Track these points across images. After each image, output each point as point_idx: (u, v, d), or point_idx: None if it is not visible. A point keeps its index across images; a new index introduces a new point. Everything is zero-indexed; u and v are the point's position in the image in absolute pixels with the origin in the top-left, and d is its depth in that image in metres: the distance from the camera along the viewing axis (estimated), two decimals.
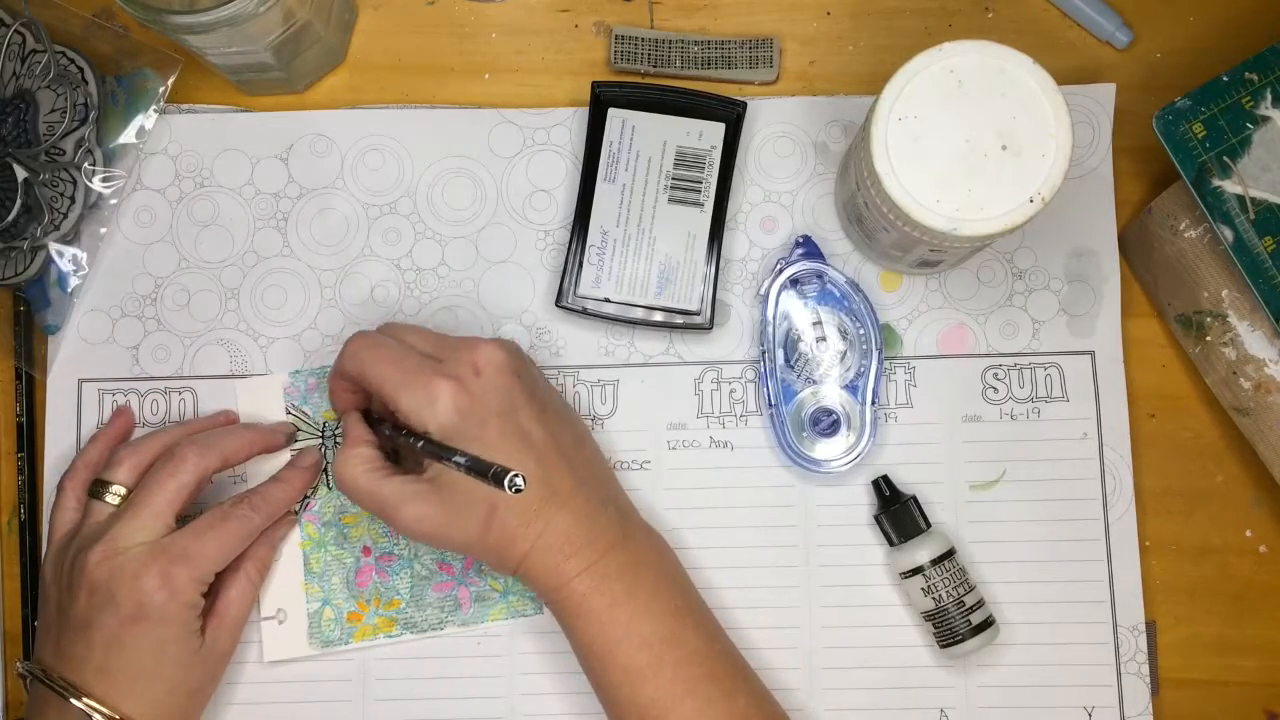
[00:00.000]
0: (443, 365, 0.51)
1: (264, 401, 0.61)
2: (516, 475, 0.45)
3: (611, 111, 0.60)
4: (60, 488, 0.57)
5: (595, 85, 0.60)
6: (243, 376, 0.61)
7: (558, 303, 0.60)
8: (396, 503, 0.51)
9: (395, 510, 0.52)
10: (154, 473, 0.55)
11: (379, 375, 0.52)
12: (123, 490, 0.55)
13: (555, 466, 0.52)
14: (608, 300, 0.60)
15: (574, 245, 0.60)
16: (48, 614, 0.55)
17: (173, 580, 0.52)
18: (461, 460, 0.49)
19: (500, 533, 0.51)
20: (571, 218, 0.61)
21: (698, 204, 0.60)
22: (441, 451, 0.50)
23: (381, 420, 0.56)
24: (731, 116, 0.60)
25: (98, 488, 0.55)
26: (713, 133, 0.60)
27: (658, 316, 0.60)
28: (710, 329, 0.60)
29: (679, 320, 0.60)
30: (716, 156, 0.60)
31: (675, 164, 0.60)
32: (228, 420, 0.60)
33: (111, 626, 0.52)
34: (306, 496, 0.60)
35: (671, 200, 0.60)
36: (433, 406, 0.50)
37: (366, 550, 0.60)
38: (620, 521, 0.53)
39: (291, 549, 0.60)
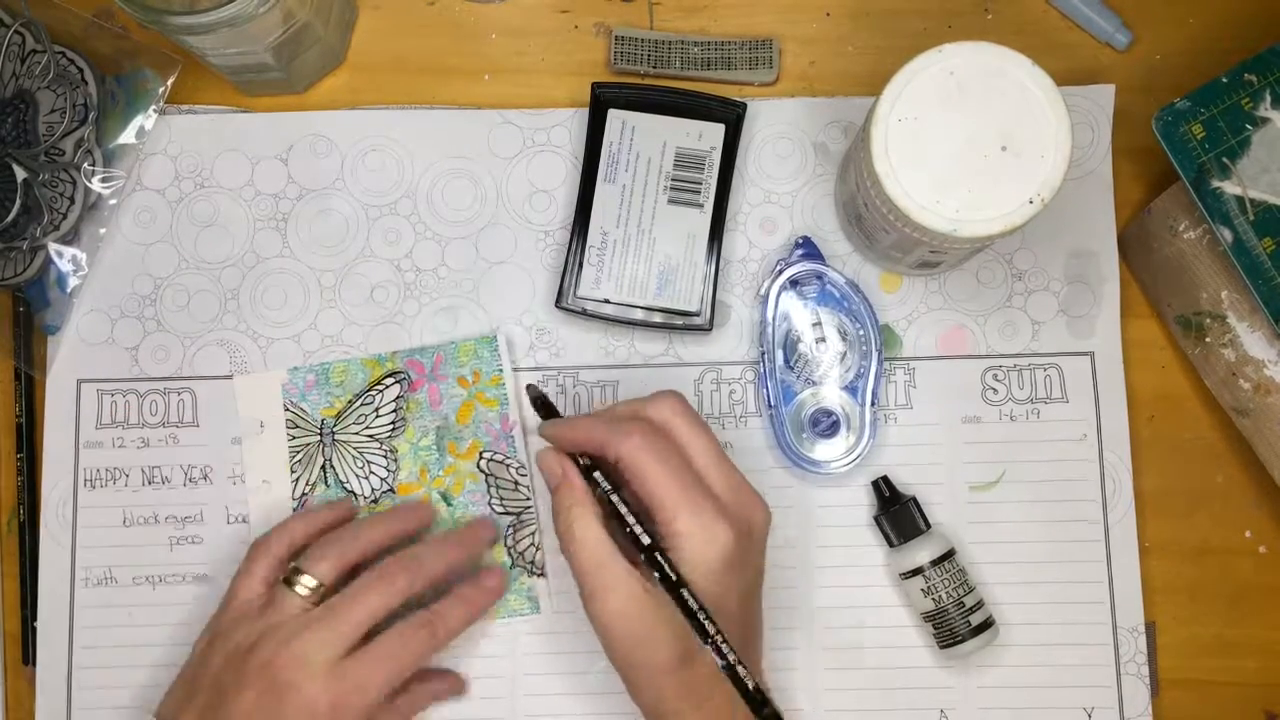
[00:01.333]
0: (726, 508, 0.49)
1: (262, 398, 0.61)
2: (772, 711, 0.45)
3: (611, 112, 0.60)
4: (254, 551, 0.55)
5: (595, 86, 0.60)
6: (243, 374, 0.61)
7: (558, 303, 0.60)
8: (610, 584, 0.48)
9: (604, 591, 0.48)
10: (361, 587, 0.53)
11: (660, 486, 0.48)
12: (315, 584, 0.53)
13: (749, 646, 0.51)
14: (608, 301, 0.60)
15: (574, 246, 0.60)
16: (198, 677, 0.53)
17: (342, 712, 0.51)
18: (721, 662, 0.47)
19: (688, 680, 0.48)
20: (571, 218, 0.61)
21: (698, 205, 0.60)
22: (693, 616, 0.47)
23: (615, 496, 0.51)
24: (731, 117, 0.60)
25: (293, 574, 0.53)
26: (712, 134, 0.60)
27: (657, 317, 0.60)
28: (710, 330, 0.60)
29: (679, 321, 0.60)
30: (716, 157, 0.60)
31: (675, 165, 0.60)
32: (424, 517, 0.58)
33: None
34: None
35: (671, 201, 0.60)
36: (711, 545, 0.48)
37: None
38: None
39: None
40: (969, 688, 0.59)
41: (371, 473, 0.60)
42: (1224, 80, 0.54)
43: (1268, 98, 0.54)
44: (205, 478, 0.61)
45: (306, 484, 0.60)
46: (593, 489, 0.50)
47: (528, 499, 0.60)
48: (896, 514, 0.58)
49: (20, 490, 0.61)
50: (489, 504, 0.60)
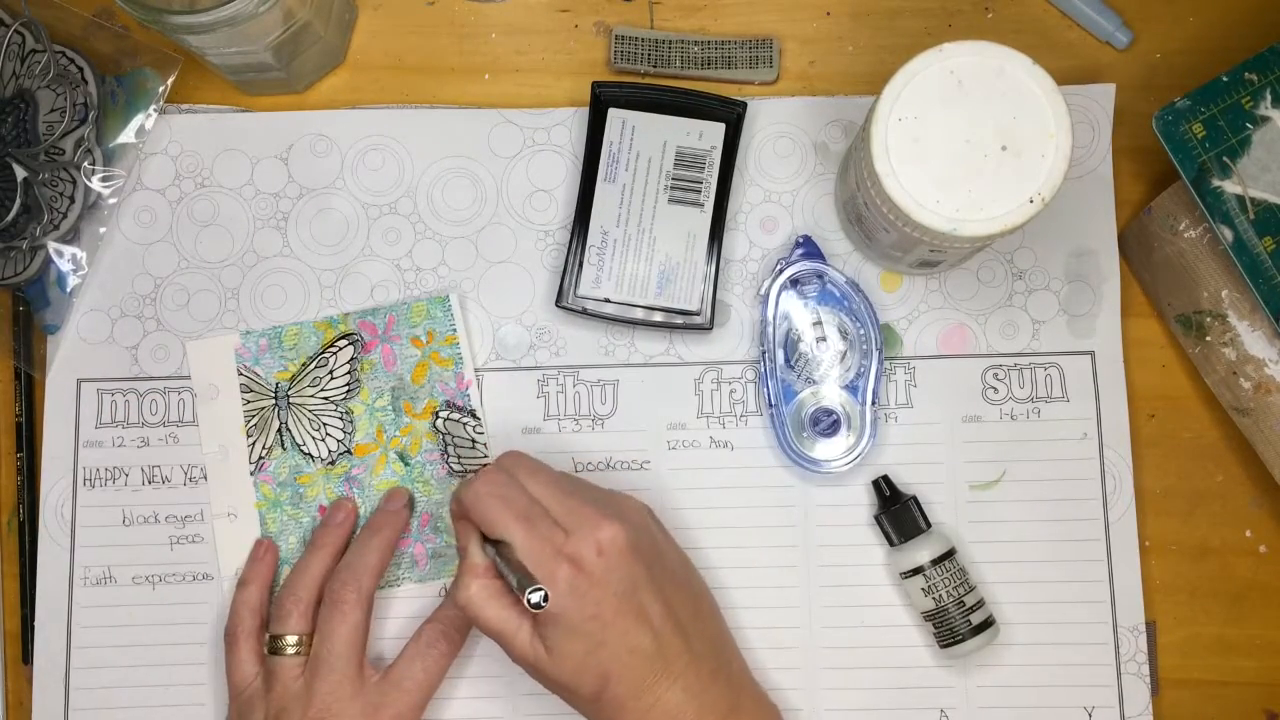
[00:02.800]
0: (567, 541, 0.51)
1: (215, 363, 0.61)
2: (535, 591, 0.48)
3: (611, 111, 0.60)
4: (230, 640, 0.57)
5: (595, 85, 0.60)
6: (195, 338, 0.61)
7: (558, 303, 0.60)
8: (517, 642, 0.52)
9: (513, 647, 0.52)
10: (324, 624, 0.55)
11: (503, 528, 0.51)
12: (297, 638, 0.56)
13: (670, 641, 0.52)
14: (608, 300, 0.60)
15: (574, 245, 0.60)
16: None
17: None
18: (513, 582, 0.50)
19: (611, 701, 0.51)
20: (571, 218, 0.61)
21: (698, 204, 0.60)
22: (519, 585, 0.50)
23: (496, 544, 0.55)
24: (731, 116, 0.60)
25: (274, 642, 0.56)
26: (713, 133, 0.60)
27: (658, 317, 0.60)
28: (710, 329, 0.60)
29: (679, 320, 0.60)
30: (716, 156, 0.60)
31: (675, 164, 0.60)
32: (349, 517, 0.60)
33: None
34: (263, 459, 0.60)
35: (671, 200, 0.60)
36: (552, 585, 0.50)
37: (322, 509, 0.60)
38: (730, 694, 0.53)
39: (248, 509, 0.60)
40: (969, 687, 0.59)
41: (328, 435, 0.61)
42: (1224, 79, 0.54)
43: (1268, 97, 0.54)
44: (205, 477, 0.61)
45: (263, 448, 0.61)
46: (483, 556, 0.53)
47: (485, 456, 0.60)
48: (897, 513, 0.58)
49: (20, 490, 0.61)
50: (446, 462, 0.60)
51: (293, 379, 0.61)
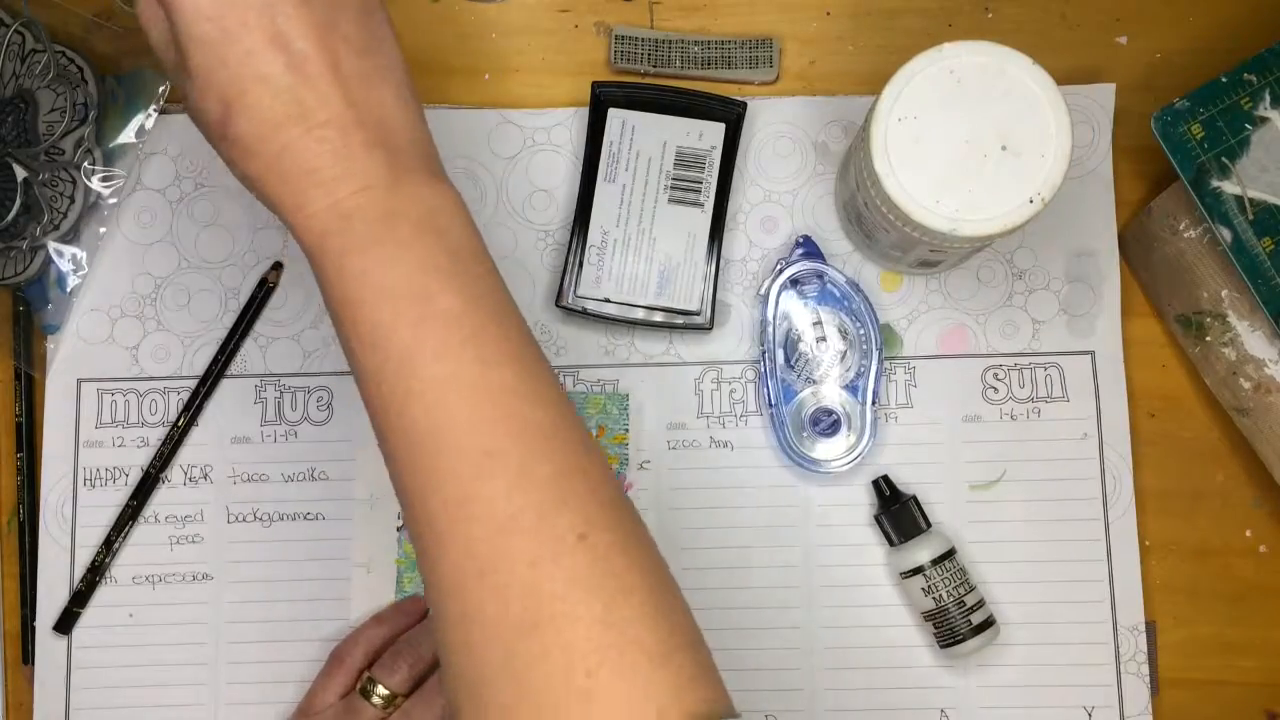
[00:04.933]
0: None
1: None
2: None
3: (611, 111, 0.60)
4: (334, 662, 0.57)
5: (595, 85, 0.60)
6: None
7: (558, 303, 0.60)
8: (156, 37, 0.44)
9: (157, 48, 0.44)
10: (431, 694, 0.55)
11: None
12: (390, 695, 0.55)
13: (316, 85, 0.42)
14: (608, 300, 0.60)
15: (574, 245, 0.60)
16: None
17: None
18: None
19: (237, 141, 0.43)
20: (571, 218, 0.61)
21: (698, 204, 0.60)
22: None
23: None
24: (731, 116, 0.60)
25: (369, 685, 0.56)
26: (713, 133, 0.60)
27: (658, 317, 0.60)
28: (710, 329, 0.60)
29: (679, 320, 0.60)
30: (716, 156, 0.60)
31: (675, 164, 0.60)
32: None
33: None
34: None
35: (671, 200, 0.60)
36: None
37: None
38: (389, 168, 0.43)
39: (386, 565, 0.60)
40: (969, 687, 0.59)
41: None
42: (1223, 80, 0.54)
43: (1267, 97, 0.54)
44: (205, 477, 0.61)
45: None
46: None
47: None
48: (897, 513, 0.58)
49: (20, 490, 0.61)
50: None
51: None
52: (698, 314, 0.60)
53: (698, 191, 0.60)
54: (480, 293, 0.44)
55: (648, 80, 0.62)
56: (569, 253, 0.60)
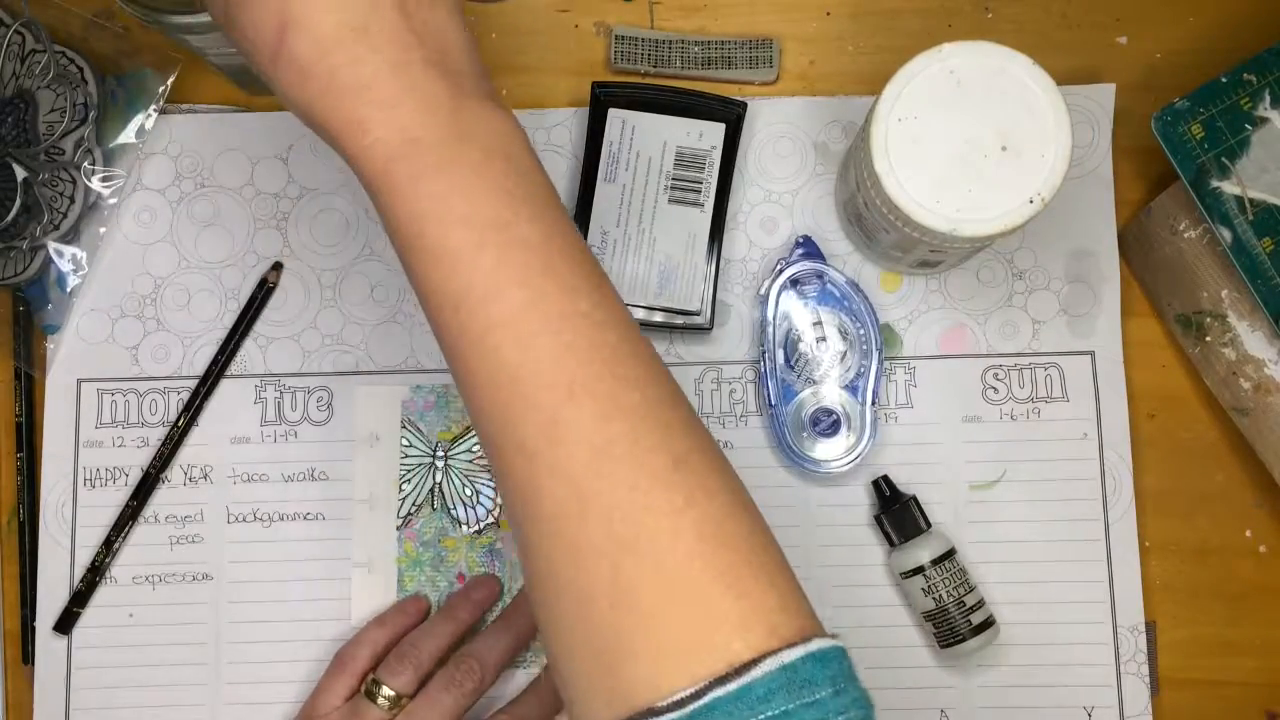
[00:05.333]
0: None
1: (382, 411, 0.61)
2: None
3: (611, 111, 0.60)
4: (338, 665, 0.57)
5: (595, 85, 0.60)
6: (366, 384, 0.61)
7: None
8: None
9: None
10: (436, 692, 0.55)
11: None
12: (396, 696, 0.55)
13: (380, 5, 0.41)
14: None
15: None
16: None
17: None
18: None
19: (290, 61, 0.40)
20: (571, 217, 0.61)
21: (698, 204, 0.60)
22: None
23: None
24: (731, 116, 0.60)
25: (373, 686, 0.55)
26: (713, 133, 0.60)
27: (658, 317, 0.60)
28: (711, 329, 0.60)
29: (679, 320, 0.60)
30: (716, 156, 0.60)
31: (675, 164, 0.60)
32: (490, 597, 0.60)
33: None
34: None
35: (671, 200, 0.60)
36: None
37: (460, 577, 0.60)
38: (450, 89, 0.42)
39: (387, 564, 0.60)
40: (969, 687, 0.59)
41: (479, 502, 0.60)
42: (1223, 80, 0.54)
43: (1267, 98, 0.54)
44: (205, 477, 0.61)
45: (413, 504, 0.60)
46: None
47: None
48: (897, 513, 0.58)
49: (20, 490, 0.61)
50: None
51: (454, 440, 0.60)
52: (698, 314, 0.60)
53: (698, 191, 0.60)
54: (553, 220, 0.43)
55: (648, 80, 0.62)
56: None
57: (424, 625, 0.58)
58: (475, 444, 0.60)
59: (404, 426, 0.61)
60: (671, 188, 0.60)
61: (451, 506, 0.60)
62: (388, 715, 0.55)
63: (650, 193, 0.60)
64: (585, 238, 0.60)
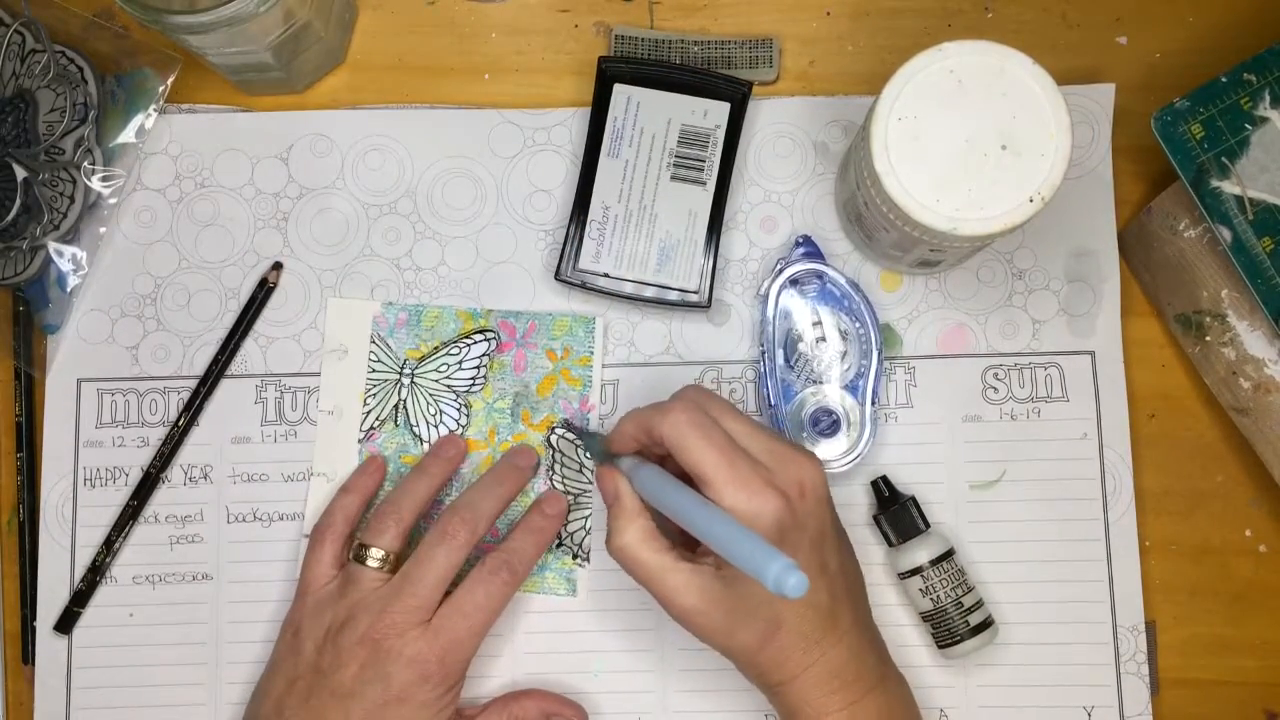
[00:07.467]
0: (773, 475, 0.49)
1: (352, 325, 0.61)
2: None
3: (617, 87, 0.60)
4: (317, 537, 0.57)
5: (601, 60, 0.60)
6: (336, 297, 0.62)
7: (557, 275, 0.60)
8: (677, 588, 0.50)
9: (673, 595, 0.50)
10: (427, 547, 0.54)
11: (704, 462, 0.49)
12: (384, 554, 0.55)
13: (843, 600, 0.51)
14: (607, 275, 0.60)
15: (575, 219, 0.60)
16: (294, 667, 0.55)
17: (447, 667, 0.53)
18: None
19: (776, 653, 0.50)
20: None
21: (700, 183, 0.60)
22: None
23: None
24: (737, 96, 0.60)
25: (360, 550, 0.55)
26: (718, 112, 0.60)
27: (655, 293, 0.60)
28: (708, 307, 0.60)
29: (676, 298, 0.60)
30: (720, 136, 0.60)
31: (679, 142, 0.60)
32: (459, 455, 0.60)
33: (376, 703, 0.53)
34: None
35: (674, 178, 0.60)
36: (759, 519, 0.48)
37: None
38: (879, 664, 0.52)
39: (346, 475, 0.60)
40: (969, 687, 0.59)
41: (442, 422, 0.61)
42: (1223, 80, 0.54)
43: (1267, 97, 0.54)
44: (205, 477, 0.61)
45: (376, 419, 0.61)
46: (638, 501, 0.52)
47: (590, 483, 0.60)
48: (895, 514, 0.58)
49: (20, 490, 0.61)
50: (550, 479, 0.60)
51: (421, 359, 0.61)
52: (695, 292, 0.60)
53: (700, 170, 0.60)
54: None
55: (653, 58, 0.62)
56: (570, 226, 0.60)
57: (397, 485, 0.58)
58: (443, 364, 0.61)
59: (373, 341, 0.61)
60: (674, 165, 0.60)
61: (414, 424, 0.61)
62: (384, 575, 0.55)
63: (653, 169, 0.60)
64: (587, 212, 0.60)
